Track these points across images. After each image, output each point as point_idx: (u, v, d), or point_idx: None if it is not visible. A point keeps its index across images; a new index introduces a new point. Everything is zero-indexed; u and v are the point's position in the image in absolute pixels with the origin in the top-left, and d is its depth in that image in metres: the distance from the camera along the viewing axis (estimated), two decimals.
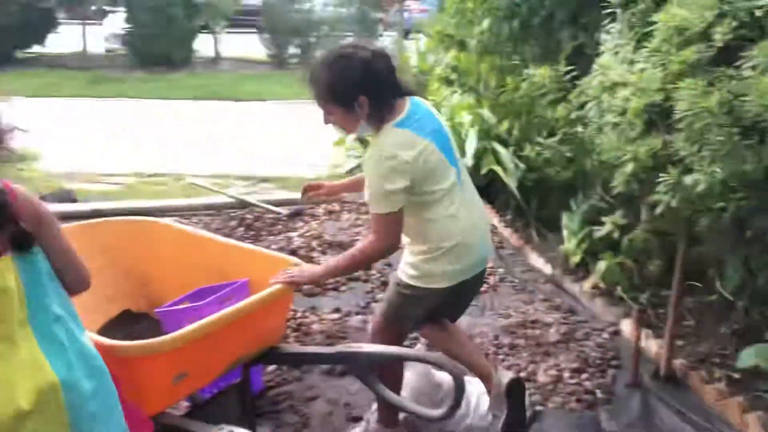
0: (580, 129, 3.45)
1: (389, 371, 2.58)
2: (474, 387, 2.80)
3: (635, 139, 2.76)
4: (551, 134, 4.19)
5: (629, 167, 2.81)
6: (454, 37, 4.64)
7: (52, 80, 13.80)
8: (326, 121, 2.37)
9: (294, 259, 2.42)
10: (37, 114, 10.70)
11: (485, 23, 4.54)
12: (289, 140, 8.86)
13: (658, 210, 2.72)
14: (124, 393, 1.91)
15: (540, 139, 3.92)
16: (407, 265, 2.50)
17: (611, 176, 3.34)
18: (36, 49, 16.35)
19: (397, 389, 2.64)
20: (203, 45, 16.43)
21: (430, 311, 2.56)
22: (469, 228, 2.44)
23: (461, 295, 2.59)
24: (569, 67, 3.78)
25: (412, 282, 2.48)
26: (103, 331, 2.64)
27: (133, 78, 14.24)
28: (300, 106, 12.07)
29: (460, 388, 2.22)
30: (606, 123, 2.80)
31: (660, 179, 2.60)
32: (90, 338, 1.91)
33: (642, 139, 2.72)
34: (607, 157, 2.80)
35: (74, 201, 5.82)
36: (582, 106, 3.14)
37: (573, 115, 3.51)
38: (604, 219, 3.54)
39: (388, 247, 2.33)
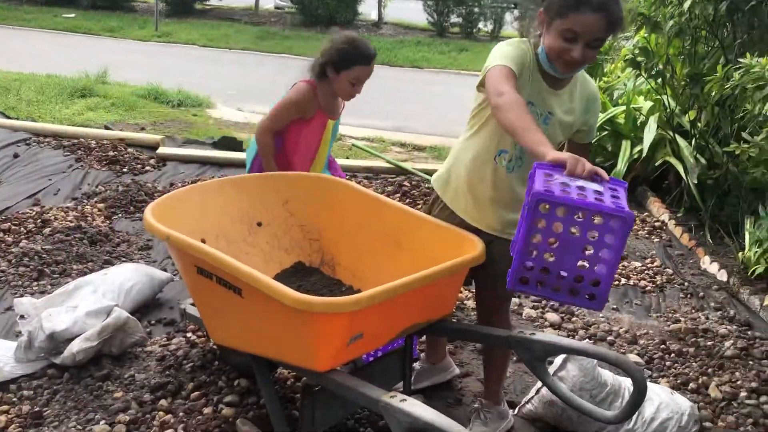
0: None
1: (498, 353, 2.57)
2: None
3: None
4: (751, 131, 3.81)
5: None
6: (649, 16, 4.31)
7: (225, 32, 14.53)
8: (587, 59, 2.06)
9: (473, 236, 2.34)
10: (209, 63, 11.33)
11: (686, 4, 4.18)
12: (442, 110, 8.74)
13: None
14: (298, 346, 2.03)
15: (746, 136, 3.56)
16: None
17: None
18: (213, 1, 17.29)
19: (504, 371, 2.64)
20: (368, 8, 16.61)
21: None
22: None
23: None
24: None
25: None
26: (277, 279, 2.71)
27: (298, 36, 14.69)
28: (455, 77, 11.97)
29: (640, 394, 2.06)
30: None
31: None
32: (277, 288, 1.95)
33: None
34: None
35: (241, 150, 6.08)
36: None
37: None
38: None
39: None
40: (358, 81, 3.03)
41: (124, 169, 5.30)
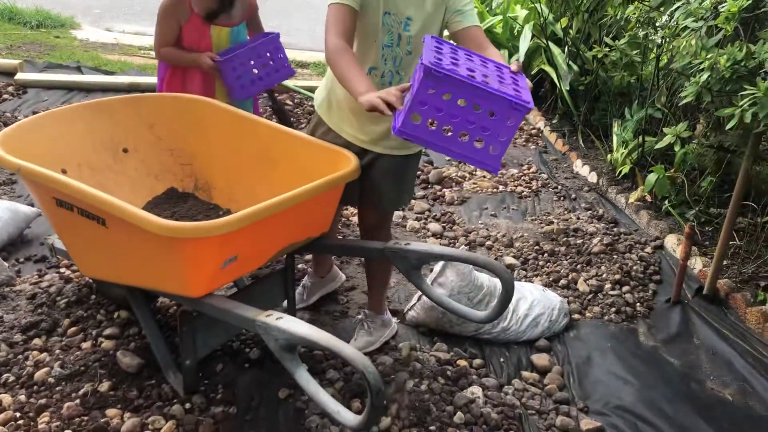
0: (649, 32, 3.22)
1: (377, 265, 2.63)
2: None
3: (715, 47, 2.57)
4: (616, 36, 3.95)
5: (704, 76, 2.63)
6: None
7: None
8: None
9: (348, 152, 2.33)
10: None
11: None
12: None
13: (730, 124, 2.57)
14: (169, 274, 1.98)
15: (608, 40, 3.68)
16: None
17: (677, 85, 3.15)
18: None
19: (386, 282, 2.72)
20: None
21: None
22: None
23: None
24: None
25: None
26: (149, 207, 2.62)
27: None
28: None
29: (508, 293, 2.18)
30: (685, 27, 2.59)
31: (737, 92, 2.43)
32: (140, 215, 1.88)
33: (723, 48, 2.53)
34: (681, 64, 2.61)
35: (110, 72, 5.72)
36: (659, 6, 2.91)
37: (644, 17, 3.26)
38: (666, 130, 3.37)
39: None
40: None
41: None
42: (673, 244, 3.55)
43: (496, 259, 3.38)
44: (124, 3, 8.93)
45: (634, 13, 3.22)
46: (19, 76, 5.30)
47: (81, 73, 5.64)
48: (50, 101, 5.01)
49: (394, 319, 2.80)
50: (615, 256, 3.43)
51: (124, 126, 2.63)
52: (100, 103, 2.65)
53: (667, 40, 3.02)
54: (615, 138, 4.37)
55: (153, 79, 5.55)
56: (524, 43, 5.03)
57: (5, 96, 5.00)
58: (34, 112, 4.69)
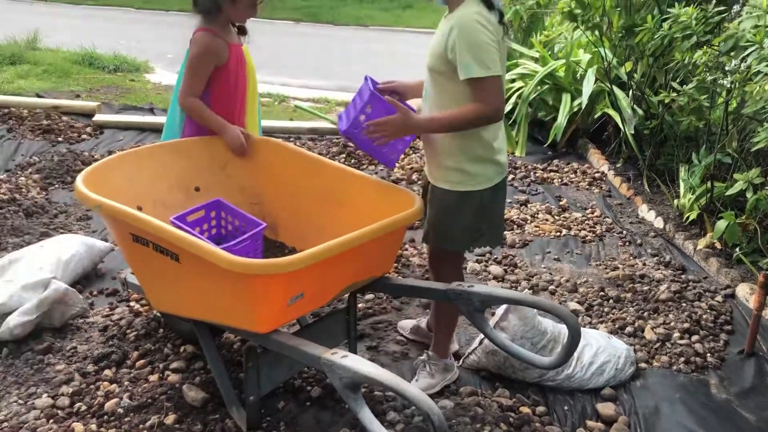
0: (718, 77, 3.18)
1: (445, 306, 2.55)
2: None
3: None
4: (682, 81, 3.90)
5: None
6: None
7: None
8: None
9: (412, 193, 2.36)
10: (147, 25, 10.95)
11: None
12: (388, 69, 8.68)
13: None
14: (239, 309, 2.05)
15: (675, 85, 3.65)
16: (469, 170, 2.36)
17: (748, 130, 3.08)
18: None
19: (452, 325, 2.66)
20: None
21: None
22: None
23: None
24: (720, 8, 3.41)
25: (485, 184, 2.38)
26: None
27: None
28: (400, 35, 11.86)
29: (575, 339, 2.14)
30: (758, 72, 2.54)
31: None
32: (213, 251, 1.94)
33: None
34: (753, 108, 2.56)
35: None
36: (730, 51, 2.87)
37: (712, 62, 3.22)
38: (737, 176, 3.29)
39: (494, 112, 2.24)
40: None
41: (59, 139, 5.14)
42: (746, 293, 3.42)
43: (559, 304, 3.32)
44: None
45: (702, 58, 3.18)
46: (97, 117, 5.58)
47: (154, 114, 5.90)
48: (124, 141, 5.24)
49: (456, 363, 2.77)
50: (683, 304, 3.32)
51: (197, 165, 2.73)
52: (175, 144, 2.76)
53: (737, 84, 2.97)
54: (682, 183, 4.27)
55: None
56: (587, 87, 5.01)
57: (84, 136, 5.26)
58: (110, 152, 4.91)
